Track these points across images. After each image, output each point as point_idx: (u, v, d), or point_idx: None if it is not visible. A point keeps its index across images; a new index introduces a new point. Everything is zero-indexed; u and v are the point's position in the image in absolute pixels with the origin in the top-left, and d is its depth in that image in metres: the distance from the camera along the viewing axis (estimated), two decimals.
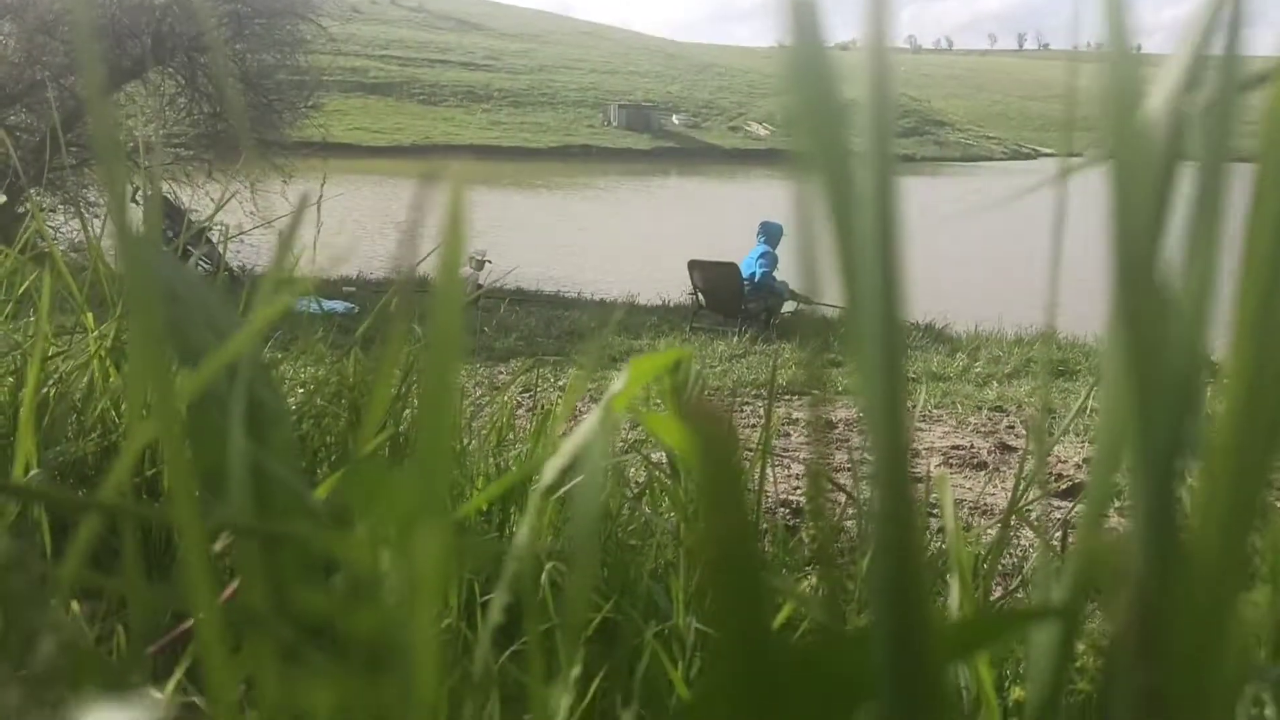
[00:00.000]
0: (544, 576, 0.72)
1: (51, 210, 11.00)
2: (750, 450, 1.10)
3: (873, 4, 0.28)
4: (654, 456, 1.30)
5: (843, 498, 1.18)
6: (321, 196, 1.71)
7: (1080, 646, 0.48)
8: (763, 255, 9.68)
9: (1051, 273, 0.33)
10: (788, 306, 9.65)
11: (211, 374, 0.26)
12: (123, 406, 1.05)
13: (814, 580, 0.89)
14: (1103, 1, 0.28)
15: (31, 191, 9.98)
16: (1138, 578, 0.23)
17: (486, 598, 0.80)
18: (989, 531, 2.92)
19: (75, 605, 0.48)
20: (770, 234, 9.77)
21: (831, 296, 0.28)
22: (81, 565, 0.23)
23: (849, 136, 0.27)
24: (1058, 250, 0.33)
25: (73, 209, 11.14)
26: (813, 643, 0.24)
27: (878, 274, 0.25)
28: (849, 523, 1.02)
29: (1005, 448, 4.81)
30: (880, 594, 0.23)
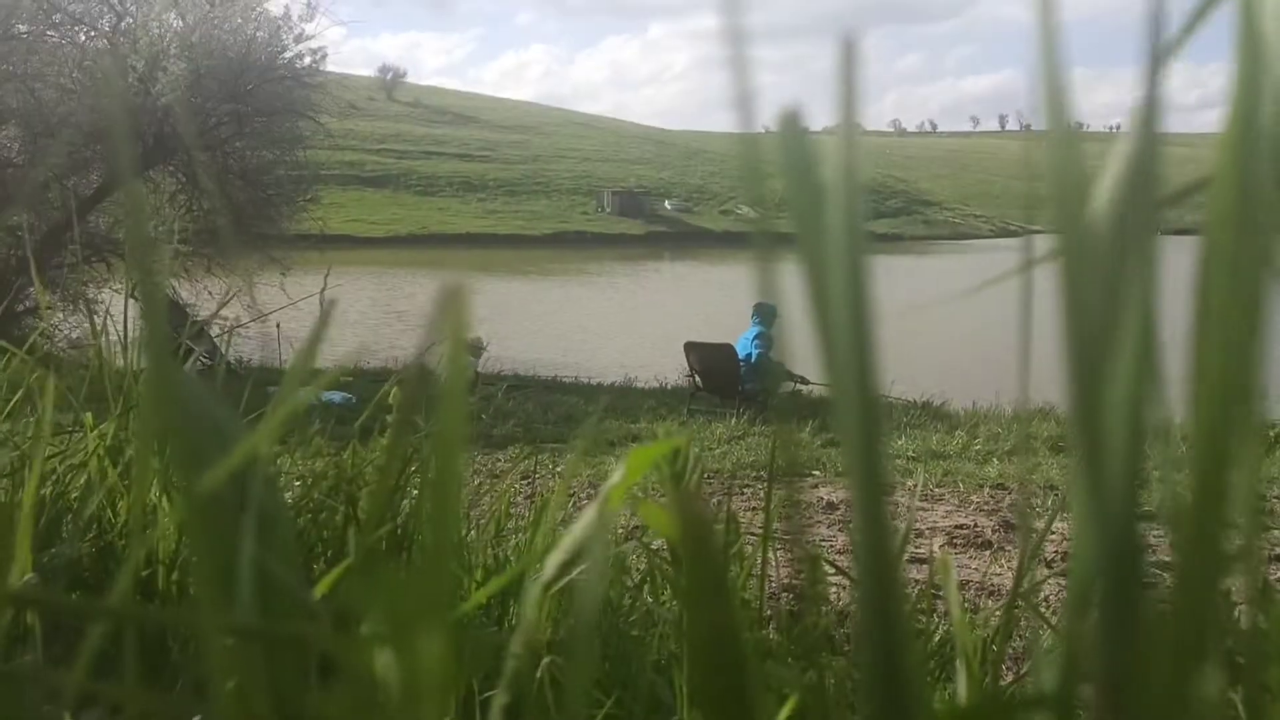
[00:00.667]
0: (543, 671, 0.70)
1: (49, 308, 11.11)
2: (753, 535, 1.09)
3: (844, 93, 0.30)
4: (655, 544, 1.29)
5: (843, 581, 1.17)
6: (325, 289, 1.74)
7: None
8: (758, 336, 9.74)
9: (1022, 348, 0.34)
10: (784, 386, 9.67)
11: (223, 477, 0.26)
12: (119, 506, 1.04)
13: (817, 669, 0.87)
14: (1042, 84, 0.30)
15: (32, 290, 10.06)
16: (1103, 649, 0.23)
17: (486, 695, 0.78)
18: (997, 614, 2.87)
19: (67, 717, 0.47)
20: (764, 315, 9.86)
21: (818, 375, 0.29)
22: (86, 674, 0.23)
23: (822, 220, 0.29)
24: (1027, 326, 0.34)
25: (72, 306, 11.23)
26: None
27: (853, 350, 0.26)
28: (849, 607, 1.00)
29: (1009, 526, 4.76)
30: (868, 686, 0.23)
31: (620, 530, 2.42)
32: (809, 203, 0.27)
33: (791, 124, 0.28)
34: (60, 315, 10.78)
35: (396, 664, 0.22)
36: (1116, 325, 0.25)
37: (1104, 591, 0.24)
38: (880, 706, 0.22)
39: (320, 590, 0.33)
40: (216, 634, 0.22)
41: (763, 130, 0.29)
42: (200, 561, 0.23)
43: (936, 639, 1.23)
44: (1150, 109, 0.26)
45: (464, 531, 1.30)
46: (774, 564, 0.98)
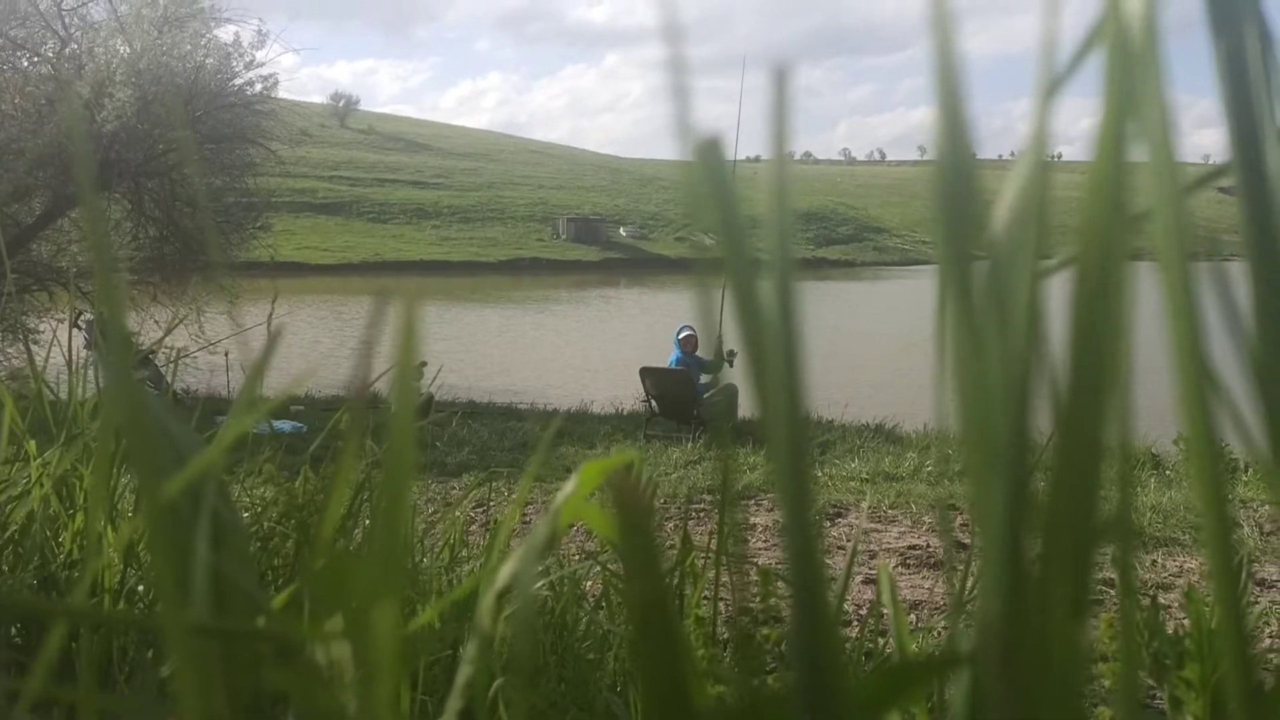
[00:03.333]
0: (496, 690, 0.71)
1: None
2: (707, 557, 1.11)
3: (775, 124, 0.31)
4: (612, 566, 1.30)
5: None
6: (271, 316, 1.72)
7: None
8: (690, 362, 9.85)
9: (939, 373, 0.35)
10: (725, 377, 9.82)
11: (179, 490, 0.27)
12: (62, 537, 1.02)
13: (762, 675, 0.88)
14: (939, 114, 0.32)
15: None
16: (992, 612, 0.25)
17: (437, 718, 0.78)
18: (944, 629, 2.91)
19: None
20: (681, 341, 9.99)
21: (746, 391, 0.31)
22: (47, 677, 0.23)
23: (753, 246, 0.30)
24: (944, 352, 0.35)
25: (11, 335, 10.95)
26: (735, 702, 0.25)
27: (782, 374, 0.27)
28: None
29: (961, 545, 4.83)
30: (796, 657, 0.24)
31: (577, 555, 2.41)
32: (733, 228, 0.28)
33: (709, 153, 0.29)
34: None
35: (351, 645, 0.23)
36: (1005, 346, 0.27)
37: (991, 564, 0.26)
38: (807, 670, 0.24)
39: (277, 604, 0.33)
40: (180, 631, 0.23)
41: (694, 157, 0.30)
42: (160, 566, 0.24)
43: (885, 655, 1.25)
44: (1039, 141, 0.28)
45: (418, 558, 1.29)
46: (730, 586, 0.99)
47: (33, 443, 1.06)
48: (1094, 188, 0.26)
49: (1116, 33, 0.26)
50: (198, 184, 12.72)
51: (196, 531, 0.28)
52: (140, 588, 0.92)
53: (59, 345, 1.37)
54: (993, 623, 0.25)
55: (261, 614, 0.29)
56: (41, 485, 1.01)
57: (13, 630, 0.84)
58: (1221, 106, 0.28)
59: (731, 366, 9.36)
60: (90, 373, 1.26)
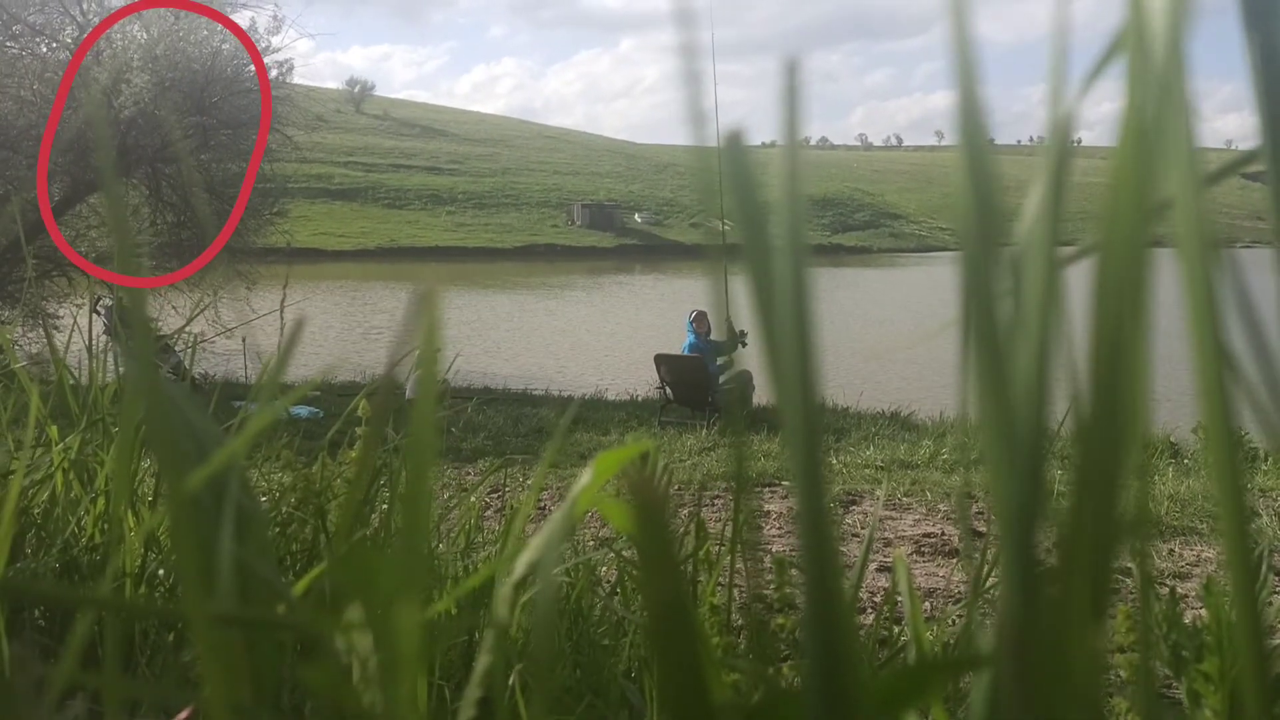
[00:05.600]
0: (514, 679, 0.71)
1: (6, 322, 10.92)
2: (722, 544, 1.11)
3: (787, 111, 0.31)
4: (626, 553, 1.30)
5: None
6: (284, 301, 1.73)
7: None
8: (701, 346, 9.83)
9: (963, 361, 0.35)
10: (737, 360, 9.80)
11: (205, 478, 0.27)
12: (84, 521, 1.04)
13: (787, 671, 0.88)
14: (959, 99, 0.32)
15: None
16: (1008, 610, 0.25)
17: (455, 705, 0.79)
18: (960, 617, 2.90)
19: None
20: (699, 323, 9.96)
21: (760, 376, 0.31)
22: (75, 664, 0.24)
23: (766, 234, 0.30)
24: (966, 340, 0.35)
25: (31, 320, 11.05)
26: (751, 699, 0.25)
27: (796, 359, 0.27)
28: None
29: (975, 533, 4.82)
30: (811, 655, 0.24)
31: (592, 542, 2.42)
32: (752, 218, 0.28)
33: (735, 143, 0.29)
34: (19, 330, 10.59)
35: (374, 637, 0.23)
36: (1020, 333, 0.27)
37: (1008, 563, 0.25)
38: (822, 682, 0.24)
39: (297, 590, 0.34)
40: (204, 623, 0.23)
41: (716, 145, 0.30)
42: (185, 558, 0.24)
43: (900, 643, 1.25)
44: (1060, 132, 0.28)
45: (434, 544, 1.30)
46: (744, 573, 0.99)
47: (54, 428, 1.07)
48: (1117, 176, 0.26)
49: (1139, 32, 0.26)
50: (215, 170, 12.77)
51: (220, 521, 0.28)
52: (161, 572, 0.93)
53: (79, 330, 1.39)
54: (1010, 619, 0.25)
55: (282, 602, 0.30)
56: (63, 470, 1.02)
57: (36, 613, 0.85)
58: (1254, 96, 0.28)
59: (744, 346, 9.34)
60: (110, 358, 1.27)
